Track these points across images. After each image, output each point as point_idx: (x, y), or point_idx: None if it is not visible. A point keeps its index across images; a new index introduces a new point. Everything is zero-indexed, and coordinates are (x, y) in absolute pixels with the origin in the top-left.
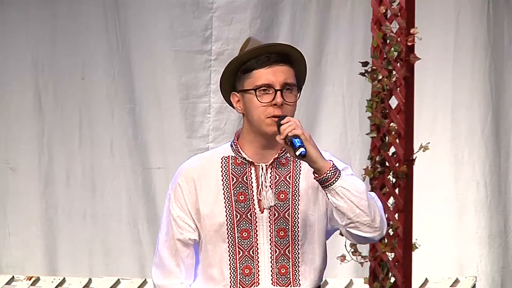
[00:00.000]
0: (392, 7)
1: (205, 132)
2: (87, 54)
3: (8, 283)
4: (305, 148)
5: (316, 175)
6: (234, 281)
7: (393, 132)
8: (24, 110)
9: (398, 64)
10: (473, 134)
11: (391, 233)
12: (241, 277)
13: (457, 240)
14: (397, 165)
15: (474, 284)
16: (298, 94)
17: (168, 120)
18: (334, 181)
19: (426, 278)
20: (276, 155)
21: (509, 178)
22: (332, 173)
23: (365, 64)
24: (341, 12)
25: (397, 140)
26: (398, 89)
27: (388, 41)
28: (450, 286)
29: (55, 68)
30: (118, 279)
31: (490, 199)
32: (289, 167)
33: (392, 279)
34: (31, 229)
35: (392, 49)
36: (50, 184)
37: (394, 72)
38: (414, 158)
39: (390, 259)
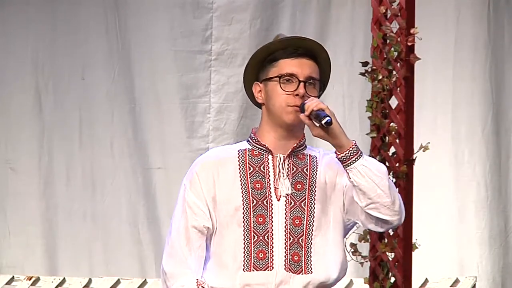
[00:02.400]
0: (392, 7)
1: (205, 132)
2: (87, 54)
3: (8, 283)
4: (331, 118)
5: (338, 152)
6: (247, 264)
7: (393, 132)
8: (24, 110)
9: (398, 64)
10: (473, 134)
11: (391, 233)
12: (255, 260)
13: (457, 240)
14: (397, 165)
15: (474, 284)
16: (321, 92)
17: (168, 120)
18: (356, 159)
19: (426, 278)
20: (295, 145)
21: (510, 178)
22: (355, 151)
23: (365, 64)
24: (341, 12)
25: (397, 140)
26: (398, 89)
27: (388, 41)
28: (450, 286)
29: (55, 68)
30: (118, 279)
31: (491, 199)
32: (306, 161)
33: (392, 279)
34: (31, 229)
35: (392, 49)
36: (50, 184)
37: (394, 72)
38: (414, 158)
39: (390, 259)
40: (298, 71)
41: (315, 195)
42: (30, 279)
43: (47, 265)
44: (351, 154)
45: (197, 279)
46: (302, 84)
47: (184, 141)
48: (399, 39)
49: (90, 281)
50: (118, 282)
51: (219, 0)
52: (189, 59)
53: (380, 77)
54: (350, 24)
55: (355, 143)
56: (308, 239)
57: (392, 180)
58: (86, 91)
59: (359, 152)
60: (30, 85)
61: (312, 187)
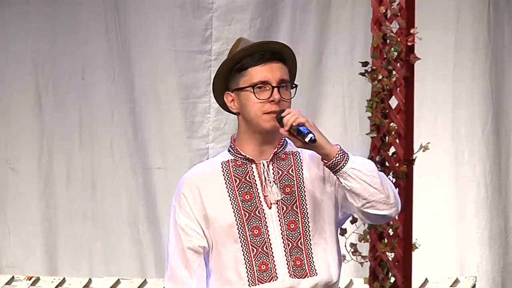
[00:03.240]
0: (392, 7)
1: (205, 132)
2: (87, 54)
3: (8, 283)
4: (313, 134)
5: (325, 161)
6: (252, 279)
7: (393, 132)
8: (24, 110)
9: (398, 64)
10: (473, 134)
11: (391, 233)
12: (258, 273)
13: (457, 240)
14: (397, 165)
15: (474, 284)
16: (293, 91)
17: (168, 120)
18: (344, 164)
19: (426, 278)
20: (275, 149)
21: (510, 178)
22: (341, 157)
23: (365, 64)
24: (341, 12)
25: (397, 140)
26: (398, 89)
27: (388, 41)
28: (450, 286)
29: (55, 68)
30: (118, 279)
31: (491, 199)
32: (289, 161)
33: (392, 279)
34: (31, 229)
35: (392, 49)
36: (50, 184)
37: (394, 72)
38: (414, 158)
39: (390, 259)
40: (269, 77)
41: (305, 194)
42: (30, 279)
43: (47, 265)
44: (338, 160)
45: None
46: (276, 89)
47: (184, 141)
48: (399, 39)
49: (90, 281)
50: (118, 282)
51: (219, 0)
52: (189, 59)
53: (380, 77)
54: (350, 24)
55: (340, 148)
56: (306, 241)
57: (392, 180)
58: (86, 91)
59: (346, 156)
60: (30, 85)
61: (300, 187)
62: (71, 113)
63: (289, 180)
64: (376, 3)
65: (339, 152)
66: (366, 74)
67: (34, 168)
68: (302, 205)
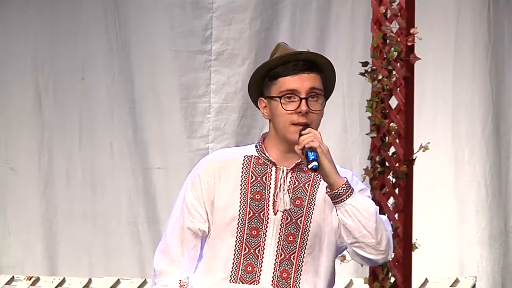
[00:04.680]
0: (392, 7)
1: (205, 132)
2: (87, 54)
3: (8, 283)
4: (318, 163)
5: (328, 189)
6: (234, 275)
7: (393, 132)
8: (24, 110)
9: (398, 64)
10: (473, 134)
11: None
12: (243, 273)
13: (457, 240)
14: (397, 165)
15: (474, 284)
16: (324, 102)
17: (168, 120)
18: (345, 199)
19: (426, 278)
20: (299, 160)
21: (510, 178)
22: (344, 190)
23: (365, 64)
24: (341, 12)
25: (397, 140)
26: (398, 89)
27: (388, 41)
28: (450, 286)
29: (55, 68)
30: (118, 279)
31: (491, 199)
32: (309, 175)
33: (392, 279)
34: (31, 229)
35: (392, 49)
36: (50, 184)
37: (394, 72)
38: (414, 158)
39: (390, 259)
40: (298, 87)
41: (312, 213)
42: (30, 279)
43: (47, 265)
44: (341, 193)
45: (180, 280)
46: (304, 101)
47: (184, 141)
48: (399, 39)
49: (90, 281)
50: (118, 282)
51: (219, 0)
52: (189, 59)
53: (380, 77)
54: (350, 24)
55: (346, 181)
56: (300, 256)
57: (392, 181)
58: (86, 91)
59: (350, 191)
60: (30, 85)
61: (310, 204)
62: (71, 113)
63: (302, 194)
64: (376, 3)
65: (343, 185)
66: (366, 74)
67: (34, 168)
68: (307, 221)
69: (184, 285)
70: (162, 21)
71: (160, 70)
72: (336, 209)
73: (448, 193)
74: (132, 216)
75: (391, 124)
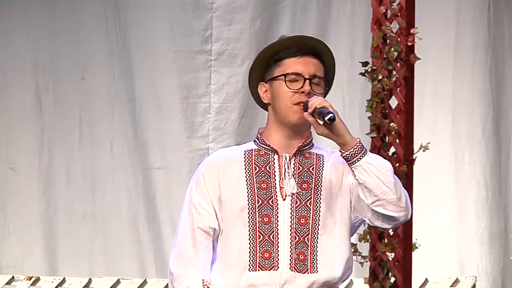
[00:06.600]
0: (392, 7)
1: (205, 132)
2: (87, 54)
3: (8, 283)
4: (334, 114)
5: (342, 151)
6: (253, 264)
7: (393, 132)
8: (24, 110)
9: (398, 64)
10: (473, 134)
11: (391, 233)
12: (261, 260)
13: (458, 240)
14: (397, 165)
15: (474, 284)
16: (326, 89)
17: (168, 120)
18: (361, 157)
19: (426, 278)
20: (301, 144)
21: (510, 178)
22: (359, 149)
23: (365, 64)
24: (341, 12)
25: (397, 140)
26: (398, 89)
27: (388, 41)
28: (450, 286)
29: (55, 68)
30: (118, 279)
31: (491, 199)
32: (312, 160)
33: (392, 279)
34: (31, 229)
35: (392, 49)
36: (50, 184)
37: (394, 72)
38: (414, 158)
39: (390, 259)
40: (303, 70)
41: (321, 194)
42: (30, 279)
43: (47, 265)
44: (356, 152)
45: (203, 280)
46: (307, 81)
47: (184, 141)
48: (399, 39)
49: (90, 281)
50: (118, 282)
51: (219, 0)
52: (189, 59)
53: (380, 77)
54: (350, 24)
55: (359, 141)
56: (314, 238)
57: None
58: (86, 91)
59: (364, 150)
60: (30, 85)
61: (318, 186)
62: (71, 113)
63: (308, 177)
64: (376, 3)
65: (357, 144)
66: (366, 74)
67: (34, 168)
68: (316, 202)
69: (207, 284)
70: (162, 21)
71: (160, 70)
72: (353, 170)
73: (448, 193)
74: (132, 216)
75: (391, 124)
